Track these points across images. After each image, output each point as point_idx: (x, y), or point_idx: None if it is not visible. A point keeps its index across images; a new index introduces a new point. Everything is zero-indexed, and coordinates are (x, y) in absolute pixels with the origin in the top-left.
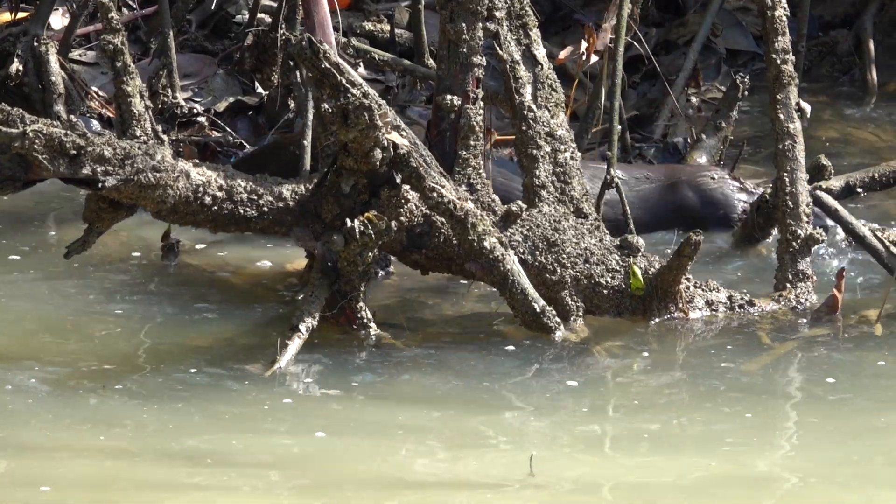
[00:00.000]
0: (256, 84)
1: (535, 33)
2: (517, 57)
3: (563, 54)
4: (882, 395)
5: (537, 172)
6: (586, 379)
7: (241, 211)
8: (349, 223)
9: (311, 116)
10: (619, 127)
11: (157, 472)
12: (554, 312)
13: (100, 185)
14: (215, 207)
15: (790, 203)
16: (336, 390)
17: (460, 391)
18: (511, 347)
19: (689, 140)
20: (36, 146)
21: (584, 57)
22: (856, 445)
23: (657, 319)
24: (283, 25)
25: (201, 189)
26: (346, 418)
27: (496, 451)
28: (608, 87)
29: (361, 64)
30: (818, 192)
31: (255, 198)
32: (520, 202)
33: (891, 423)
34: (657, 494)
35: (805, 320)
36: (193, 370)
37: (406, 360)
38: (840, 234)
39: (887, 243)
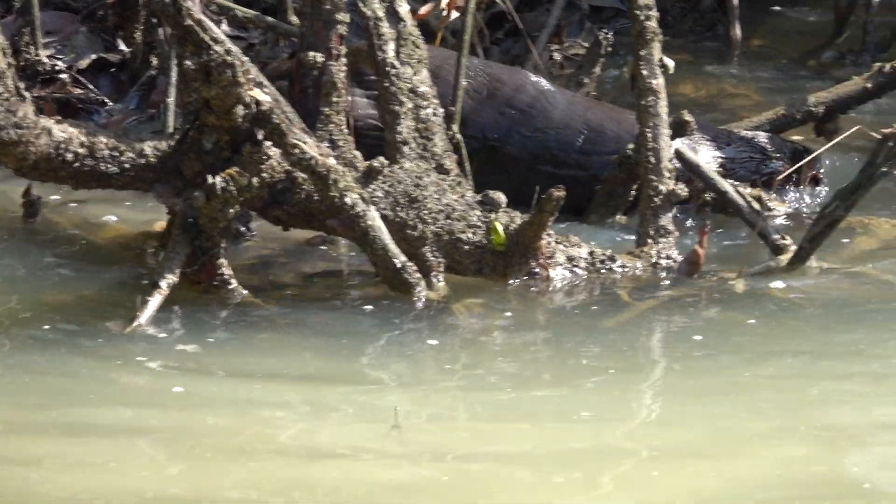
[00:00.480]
0: (119, 41)
1: None
2: (380, 13)
3: (424, 10)
4: (747, 351)
5: (399, 129)
6: (447, 337)
7: (103, 167)
8: (210, 179)
9: (174, 74)
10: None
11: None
12: (415, 268)
13: None
14: (77, 164)
15: (652, 159)
16: (194, 346)
17: (319, 349)
18: (371, 307)
19: None
20: None
21: (445, 13)
22: (722, 401)
23: (518, 275)
24: None
25: (63, 146)
26: (204, 374)
27: (357, 410)
28: (468, 43)
29: (224, 21)
30: (681, 148)
31: (117, 154)
32: (381, 158)
33: (756, 377)
34: (516, 460)
35: (667, 277)
36: (47, 327)
37: (265, 319)
38: None
39: (749, 198)
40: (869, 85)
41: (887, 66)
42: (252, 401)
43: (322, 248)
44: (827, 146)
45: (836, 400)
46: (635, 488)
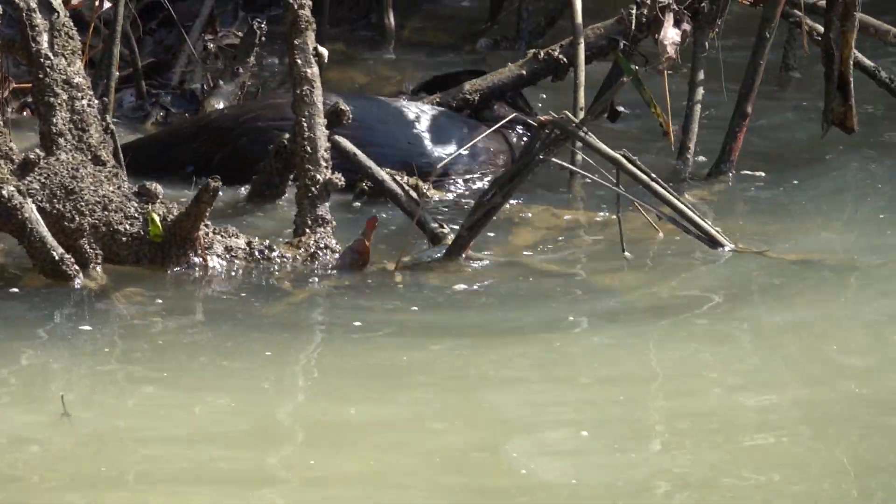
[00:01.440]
0: None
1: None
2: (33, 4)
3: (75, 0)
4: (406, 336)
5: (54, 120)
6: (104, 324)
7: None
8: None
9: None
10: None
11: None
12: (73, 260)
13: None
14: None
15: (308, 148)
16: None
17: None
18: (30, 296)
19: (206, 87)
20: None
21: (97, 3)
22: (376, 385)
23: (176, 266)
24: None
25: None
26: None
27: (23, 398)
28: (120, 34)
29: None
30: (336, 137)
31: None
32: (37, 150)
33: (414, 360)
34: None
35: (325, 267)
36: None
37: None
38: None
39: (407, 188)
40: (524, 72)
41: (541, 53)
42: None
43: None
44: (487, 132)
45: (495, 385)
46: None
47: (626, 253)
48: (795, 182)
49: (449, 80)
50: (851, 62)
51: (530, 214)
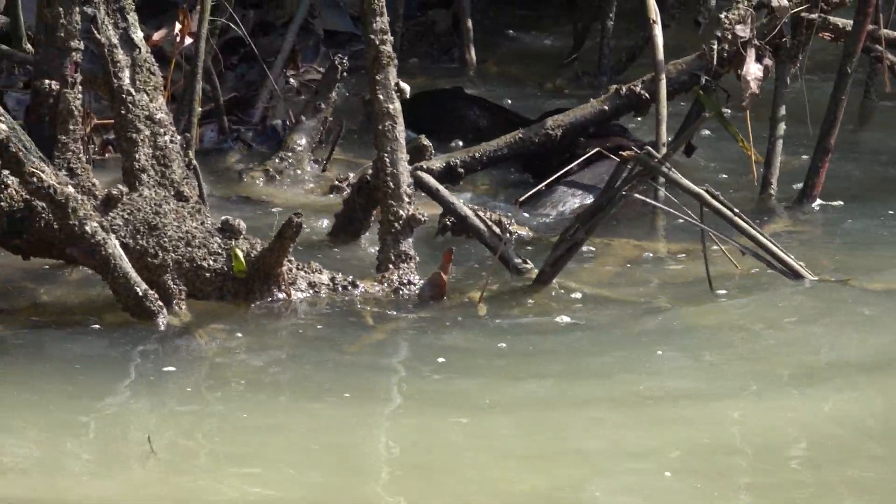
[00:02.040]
0: None
1: (133, 16)
2: (115, 40)
3: (157, 36)
4: (489, 375)
5: (137, 156)
6: (187, 363)
7: None
8: None
9: None
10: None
11: None
12: (156, 296)
13: None
14: None
15: (391, 184)
16: None
17: (55, 376)
18: (113, 332)
19: (288, 122)
20: None
21: (178, 38)
22: (460, 427)
23: (260, 302)
24: None
25: None
26: None
27: (99, 436)
28: (202, 69)
29: None
30: (419, 173)
31: None
32: (120, 186)
33: (498, 401)
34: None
35: (409, 301)
36: None
37: (7, 348)
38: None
39: (490, 223)
40: (606, 107)
41: (623, 89)
42: None
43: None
44: (575, 163)
45: (579, 425)
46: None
47: (712, 286)
48: (878, 214)
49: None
50: None
51: (613, 246)
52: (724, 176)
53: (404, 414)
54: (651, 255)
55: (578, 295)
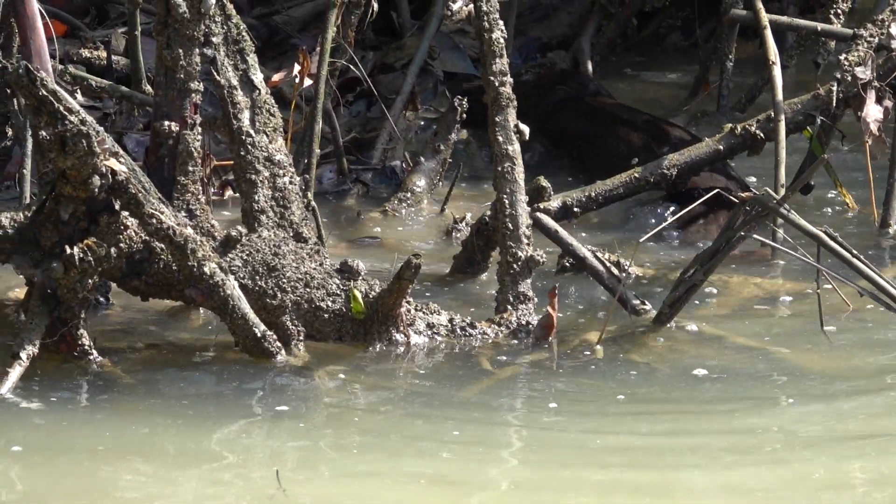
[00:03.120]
0: None
1: (253, 58)
2: (234, 82)
3: (276, 77)
4: (601, 419)
5: (256, 197)
6: (305, 403)
7: None
8: (68, 250)
9: (29, 144)
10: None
11: None
12: (275, 337)
13: None
14: None
15: (510, 225)
16: (54, 414)
17: (167, 412)
18: (232, 373)
19: (407, 164)
20: None
21: (297, 80)
22: (570, 473)
23: (378, 343)
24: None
25: None
26: (62, 444)
27: (221, 470)
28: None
29: (79, 91)
30: (538, 214)
31: None
32: (239, 227)
33: (603, 445)
34: None
35: (526, 344)
36: None
37: (126, 387)
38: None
39: (608, 264)
40: (721, 147)
41: (738, 128)
42: (110, 468)
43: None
44: (693, 206)
45: (691, 468)
46: None
47: (826, 328)
48: None
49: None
50: None
51: (731, 284)
52: (850, 215)
53: (507, 456)
54: (770, 292)
55: (694, 335)
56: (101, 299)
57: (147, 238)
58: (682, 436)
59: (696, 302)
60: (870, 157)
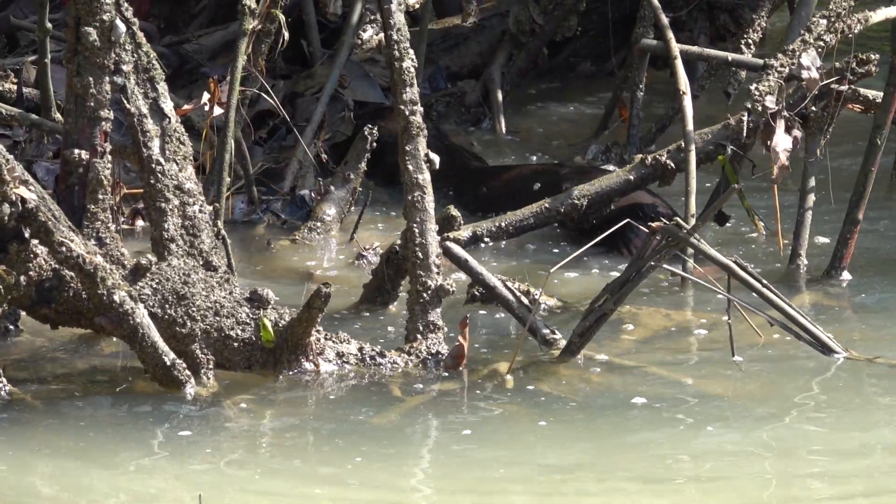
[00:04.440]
0: None
1: (163, 86)
2: (145, 110)
3: (186, 106)
4: (512, 444)
5: (166, 226)
6: (211, 430)
7: None
8: None
9: None
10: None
11: None
12: (184, 365)
13: None
14: None
15: (420, 254)
16: None
17: (82, 443)
18: (140, 400)
19: (316, 193)
20: None
21: (208, 109)
22: (474, 499)
23: (288, 372)
24: None
25: None
26: None
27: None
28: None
29: None
30: (448, 243)
31: None
32: (149, 255)
33: (508, 475)
34: None
35: (436, 373)
36: None
37: (34, 415)
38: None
39: (518, 293)
40: (631, 177)
41: (649, 158)
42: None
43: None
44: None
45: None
46: None
47: (736, 357)
48: None
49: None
50: None
51: (641, 316)
52: (759, 248)
53: (426, 485)
54: (680, 321)
55: (603, 364)
56: (11, 326)
57: (57, 266)
58: (587, 466)
59: (607, 332)
60: (772, 181)
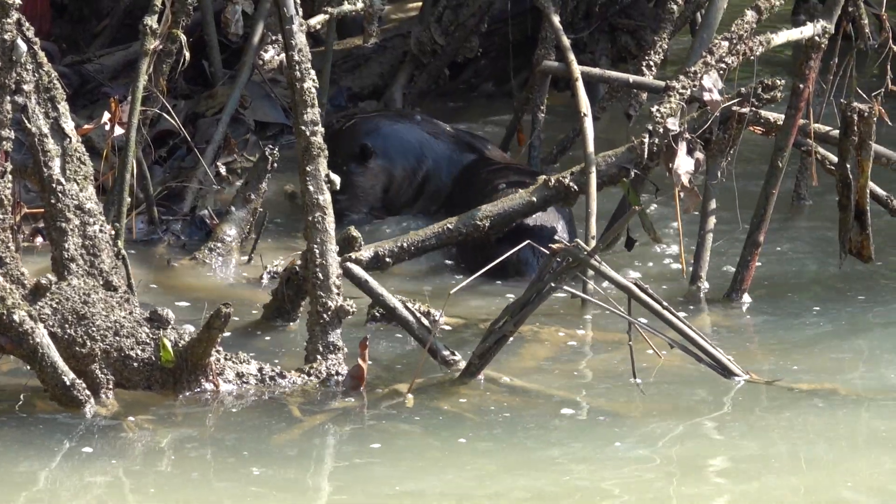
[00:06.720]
0: None
1: (64, 106)
2: (45, 130)
3: (87, 126)
4: (415, 460)
5: (66, 245)
6: (111, 449)
7: None
8: None
9: None
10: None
11: None
12: (84, 385)
13: None
14: None
15: (320, 275)
16: None
17: None
18: (39, 419)
19: (213, 213)
20: None
21: (109, 128)
22: None
23: (188, 392)
24: None
25: None
26: None
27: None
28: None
29: None
30: (348, 264)
31: None
32: (49, 275)
33: (417, 489)
34: None
35: (336, 393)
36: None
37: None
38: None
39: (418, 314)
40: (534, 199)
41: (552, 180)
42: None
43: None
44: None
45: None
46: None
47: (636, 380)
48: (808, 311)
49: None
50: (868, 191)
51: (542, 335)
52: (660, 270)
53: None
54: (580, 342)
55: (502, 385)
56: None
57: None
58: (488, 483)
59: (508, 351)
60: (681, 209)
